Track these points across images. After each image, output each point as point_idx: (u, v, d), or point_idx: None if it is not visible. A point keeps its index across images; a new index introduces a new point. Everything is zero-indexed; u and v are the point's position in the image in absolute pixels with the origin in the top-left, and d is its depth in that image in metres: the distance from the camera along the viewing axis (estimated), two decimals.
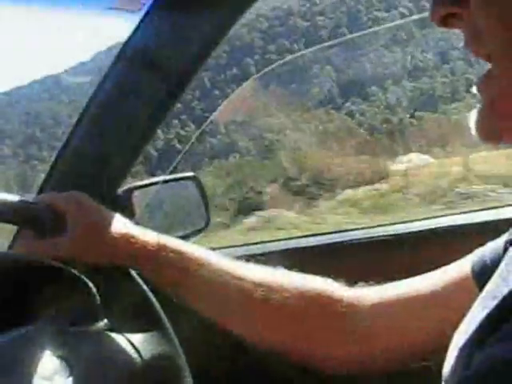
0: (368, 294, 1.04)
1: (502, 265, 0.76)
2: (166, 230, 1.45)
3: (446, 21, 0.61)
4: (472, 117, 0.61)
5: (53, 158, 1.33)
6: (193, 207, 1.52)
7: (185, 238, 1.48)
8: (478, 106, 0.61)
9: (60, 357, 0.94)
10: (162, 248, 1.03)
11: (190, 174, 1.52)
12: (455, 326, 0.73)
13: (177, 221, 1.52)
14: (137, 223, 1.32)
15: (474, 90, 0.62)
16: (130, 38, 1.19)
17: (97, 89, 1.25)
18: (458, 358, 0.66)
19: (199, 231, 1.52)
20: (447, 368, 0.69)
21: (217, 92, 7.87)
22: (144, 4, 1.13)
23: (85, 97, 1.25)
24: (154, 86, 1.23)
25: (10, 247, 1.42)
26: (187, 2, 1.16)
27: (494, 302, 0.65)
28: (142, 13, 1.13)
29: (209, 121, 1.34)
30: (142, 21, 1.16)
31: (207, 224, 1.52)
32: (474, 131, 0.61)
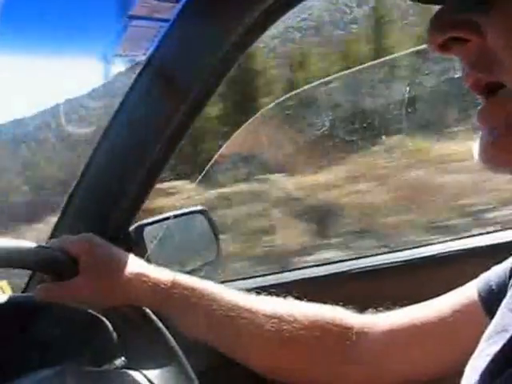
0: (378, 321, 1.05)
1: (509, 295, 0.77)
2: (178, 264, 1.48)
3: (447, 46, 0.58)
4: (476, 146, 0.60)
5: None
6: (203, 240, 1.55)
7: (197, 270, 1.51)
8: (480, 134, 0.59)
9: None
10: (174, 285, 1.05)
11: (199, 207, 1.55)
12: (465, 353, 0.74)
13: (188, 254, 1.54)
14: (149, 259, 1.36)
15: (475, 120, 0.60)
16: (147, 63, 1.21)
17: (109, 124, 1.27)
18: None
19: (210, 263, 1.55)
20: None
21: None
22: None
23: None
24: (169, 112, 1.24)
25: (24, 290, 1.45)
26: (207, 19, 1.18)
27: (506, 337, 0.67)
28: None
29: (216, 155, 1.35)
30: (159, 43, 1.18)
31: (218, 256, 1.55)
32: (479, 160, 0.59)
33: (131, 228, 1.39)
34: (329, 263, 1.50)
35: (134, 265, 1.08)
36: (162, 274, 1.07)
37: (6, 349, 1.07)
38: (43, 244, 1.07)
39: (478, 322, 0.80)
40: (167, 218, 1.47)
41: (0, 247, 0.97)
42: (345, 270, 1.44)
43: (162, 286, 1.05)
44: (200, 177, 1.45)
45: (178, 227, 1.53)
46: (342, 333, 1.04)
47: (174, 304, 1.05)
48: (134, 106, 1.27)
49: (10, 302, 1.13)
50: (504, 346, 0.65)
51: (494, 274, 0.92)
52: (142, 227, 1.41)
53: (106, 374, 1.10)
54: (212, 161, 1.46)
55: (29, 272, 1.49)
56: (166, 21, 1.15)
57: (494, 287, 0.91)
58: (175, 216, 1.48)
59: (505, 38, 0.54)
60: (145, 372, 1.08)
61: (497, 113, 0.57)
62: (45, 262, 1.05)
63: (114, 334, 1.26)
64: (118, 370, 1.13)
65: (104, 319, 1.26)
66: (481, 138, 0.59)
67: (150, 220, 1.43)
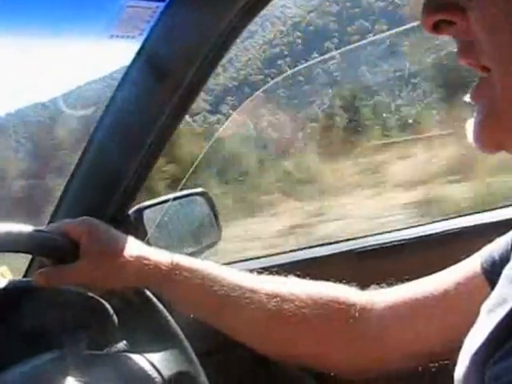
0: (381, 297, 1.05)
1: (509, 264, 0.77)
2: (178, 246, 1.48)
3: (438, 27, 0.60)
4: (469, 127, 0.61)
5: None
6: (204, 222, 1.55)
7: (198, 252, 1.51)
8: (474, 115, 0.61)
9: (84, 383, 0.96)
10: (175, 267, 1.05)
11: (199, 189, 1.54)
12: (469, 325, 0.74)
13: (189, 237, 1.54)
14: (149, 242, 1.35)
15: (467, 99, 0.62)
16: (139, 51, 1.20)
17: (106, 108, 1.26)
18: (471, 365, 0.66)
19: (211, 245, 1.54)
20: (459, 373, 0.70)
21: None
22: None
23: None
24: (165, 96, 1.24)
25: (25, 275, 1.45)
26: (198, 6, 1.17)
27: (505, 308, 0.66)
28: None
29: (215, 137, 1.34)
30: (151, 30, 1.18)
31: (219, 237, 1.55)
32: (473, 141, 0.61)
33: (131, 211, 1.39)
34: (331, 243, 1.49)
35: (135, 247, 1.07)
36: (163, 256, 1.06)
37: (6, 333, 1.06)
38: (43, 228, 1.06)
39: (481, 293, 0.79)
40: (167, 201, 1.46)
41: (3, 231, 0.97)
42: (347, 249, 1.44)
43: (163, 267, 1.04)
44: None
45: (178, 210, 1.52)
46: (345, 310, 1.04)
47: (175, 286, 1.05)
48: (129, 91, 1.26)
49: (10, 286, 1.13)
50: (504, 317, 0.65)
51: (496, 246, 0.93)
52: (141, 210, 1.40)
53: (108, 357, 1.10)
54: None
55: (29, 257, 1.49)
56: (161, 0, 1.14)
57: (496, 258, 0.91)
58: (175, 198, 1.47)
59: (485, 21, 0.56)
60: (146, 355, 1.08)
61: (486, 93, 0.59)
62: (45, 246, 1.04)
63: (115, 317, 1.26)
64: (119, 353, 1.13)
65: (104, 302, 1.26)
66: (473, 118, 0.61)
67: (150, 203, 1.43)
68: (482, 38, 0.57)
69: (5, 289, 1.11)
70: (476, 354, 0.66)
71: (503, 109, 0.58)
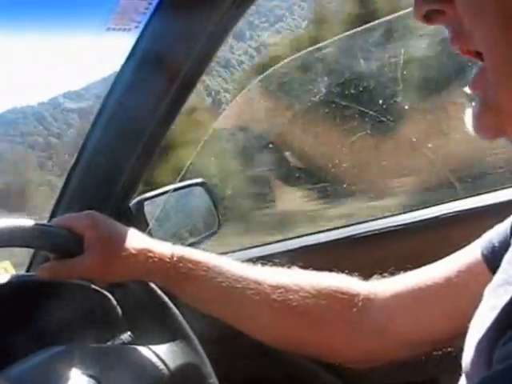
0: (383, 286, 1.05)
1: (509, 251, 0.78)
2: (179, 237, 1.48)
3: (429, 17, 0.61)
4: (468, 115, 0.61)
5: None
6: (204, 212, 1.55)
7: (199, 242, 1.51)
8: (473, 103, 0.61)
9: (91, 376, 0.96)
10: (179, 259, 1.05)
11: (199, 180, 1.54)
12: (471, 312, 0.74)
13: (189, 227, 1.54)
14: (150, 233, 1.35)
15: (467, 89, 0.63)
16: (136, 42, 1.20)
17: (104, 101, 1.26)
18: (477, 350, 0.67)
19: (212, 234, 1.55)
20: (467, 359, 0.70)
21: None
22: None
23: None
24: (163, 88, 1.24)
25: (28, 269, 1.45)
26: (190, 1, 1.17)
27: (510, 290, 0.67)
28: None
29: (211, 129, 1.34)
30: (147, 24, 1.17)
31: (219, 227, 1.55)
32: (472, 129, 0.61)
33: (131, 203, 1.39)
34: (332, 229, 1.49)
35: (138, 240, 1.07)
36: (166, 248, 1.06)
37: (11, 329, 1.07)
38: (46, 223, 1.06)
39: (483, 280, 0.79)
40: (167, 192, 1.46)
41: (3, 227, 0.97)
42: (348, 235, 1.44)
43: (167, 260, 1.04)
44: None
45: (178, 200, 1.53)
46: (348, 300, 1.04)
47: (179, 278, 1.05)
48: (127, 83, 1.26)
49: (14, 281, 1.13)
50: (507, 302, 0.65)
51: (495, 233, 0.93)
52: (142, 202, 1.41)
53: (114, 349, 1.10)
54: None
55: (31, 251, 1.49)
56: None
57: (496, 245, 0.91)
58: (175, 189, 1.47)
59: (470, 6, 0.57)
60: (152, 347, 1.08)
61: (482, 81, 0.59)
62: (49, 241, 1.03)
63: (119, 310, 1.27)
64: (125, 345, 1.13)
65: (108, 295, 1.27)
66: (472, 107, 0.61)
67: (150, 194, 1.43)
68: (469, 23, 0.58)
69: (9, 283, 1.12)
70: (483, 337, 0.66)
71: (500, 95, 0.58)
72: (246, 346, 1.18)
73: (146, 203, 1.41)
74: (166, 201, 1.46)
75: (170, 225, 1.50)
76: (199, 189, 1.53)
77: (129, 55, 1.24)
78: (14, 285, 1.13)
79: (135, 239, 1.07)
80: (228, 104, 1.47)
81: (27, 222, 1.02)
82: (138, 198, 1.40)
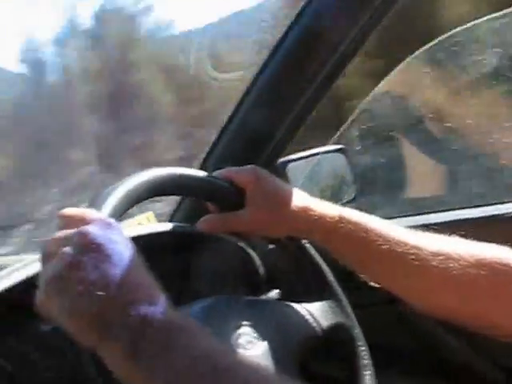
0: None
1: None
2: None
3: None
4: None
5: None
6: (341, 179, 1.55)
7: None
8: None
9: (251, 325, 0.98)
10: (340, 220, 1.04)
11: (339, 146, 1.54)
12: None
13: (328, 192, 1.54)
14: None
15: None
16: (297, 16, 1.20)
17: (263, 65, 1.28)
18: None
19: (348, 202, 1.54)
20: None
21: None
22: None
23: None
24: (319, 61, 1.25)
25: (171, 216, 1.48)
26: None
27: None
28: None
29: (370, 96, 1.34)
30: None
31: (356, 195, 1.55)
32: None
33: (277, 162, 1.40)
34: (497, 203, 1.44)
35: (300, 198, 1.07)
36: (328, 208, 1.06)
37: (168, 276, 1.09)
38: (211, 174, 1.07)
39: None
40: (309, 156, 1.46)
41: (178, 174, 0.98)
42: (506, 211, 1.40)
43: (328, 219, 1.04)
44: None
45: (318, 165, 1.53)
46: (509, 271, 1.02)
47: (339, 238, 1.04)
48: (287, 51, 1.26)
49: (177, 229, 1.16)
50: None
51: None
52: (286, 163, 1.41)
53: (268, 303, 1.12)
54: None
55: (171, 203, 1.53)
56: None
57: None
58: (316, 154, 1.47)
59: None
60: (304, 305, 1.09)
61: None
62: (215, 192, 1.04)
63: (262, 268, 1.28)
64: (277, 300, 1.15)
65: (251, 252, 1.28)
66: None
67: (295, 156, 1.43)
68: None
69: (172, 232, 1.15)
70: None
71: None
72: (395, 312, 1.18)
73: (289, 165, 1.41)
74: (308, 163, 1.46)
75: (309, 189, 1.51)
76: (339, 155, 1.53)
77: (286, 31, 1.24)
78: (177, 234, 1.16)
79: (297, 197, 1.07)
80: None
81: (194, 171, 1.03)
82: (283, 158, 1.41)
